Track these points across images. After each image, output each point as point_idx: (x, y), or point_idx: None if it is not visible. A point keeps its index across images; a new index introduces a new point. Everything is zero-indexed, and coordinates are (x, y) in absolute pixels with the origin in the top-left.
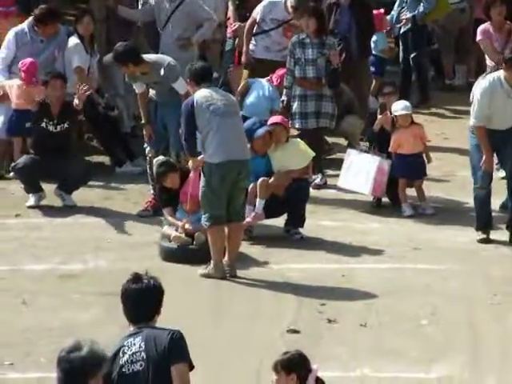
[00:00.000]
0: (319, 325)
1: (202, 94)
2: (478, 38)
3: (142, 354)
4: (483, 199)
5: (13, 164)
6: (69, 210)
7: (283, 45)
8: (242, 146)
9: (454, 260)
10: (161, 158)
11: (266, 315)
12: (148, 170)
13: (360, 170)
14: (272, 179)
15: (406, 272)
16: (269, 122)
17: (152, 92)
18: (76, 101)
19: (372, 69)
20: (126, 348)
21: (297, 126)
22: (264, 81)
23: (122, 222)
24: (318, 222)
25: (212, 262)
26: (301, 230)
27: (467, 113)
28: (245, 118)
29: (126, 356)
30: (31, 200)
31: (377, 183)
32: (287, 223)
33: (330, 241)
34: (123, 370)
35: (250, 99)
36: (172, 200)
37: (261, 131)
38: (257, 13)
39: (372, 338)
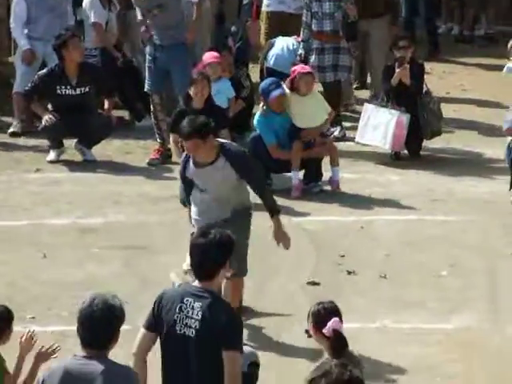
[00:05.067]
0: (339, 277)
1: None
2: None
3: (196, 324)
4: None
5: (42, 125)
6: (88, 164)
7: None
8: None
9: (473, 211)
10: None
11: (285, 268)
12: (152, 119)
13: (378, 125)
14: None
15: (425, 223)
16: (298, 70)
17: (154, 34)
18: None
19: None
20: (184, 307)
21: (315, 79)
22: (287, 38)
23: (142, 177)
24: None
25: None
26: (320, 182)
27: (485, 64)
28: (268, 71)
29: (182, 315)
30: (51, 155)
31: (396, 137)
32: (305, 177)
33: (349, 193)
34: (176, 327)
35: (274, 51)
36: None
37: (275, 93)
38: None
39: (391, 290)
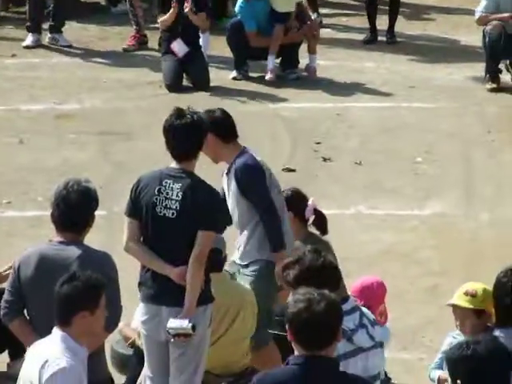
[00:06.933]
0: (314, 163)
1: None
2: None
3: (176, 205)
4: (495, 40)
5: None
6: (65, 50)
7: None
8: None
9: (449, 98)
10: None
11: (261, 154)
12: (128, 6)
13: None
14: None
15: (401, 110)
16: None
17: None
18: None
19: None
20: (163, 189)
21: None
22: None
23: (118, 63)
24: None
25: None
26: (296, 69)
27: None
28: None
29: (161, 197)
30: (28, 40)
31: None
32: (282, 64)
33: (325, 80)
34: (156, 209)
35: None
36: None
37: None
38: None
39: (367, 176)
